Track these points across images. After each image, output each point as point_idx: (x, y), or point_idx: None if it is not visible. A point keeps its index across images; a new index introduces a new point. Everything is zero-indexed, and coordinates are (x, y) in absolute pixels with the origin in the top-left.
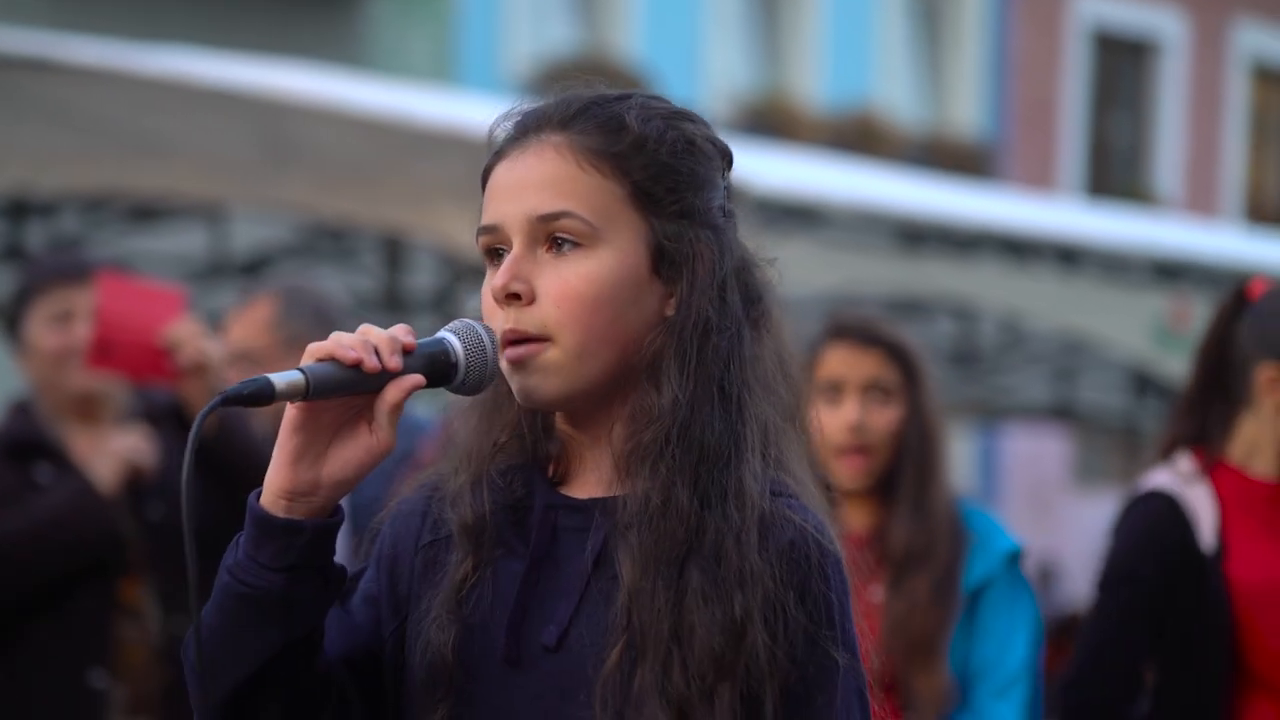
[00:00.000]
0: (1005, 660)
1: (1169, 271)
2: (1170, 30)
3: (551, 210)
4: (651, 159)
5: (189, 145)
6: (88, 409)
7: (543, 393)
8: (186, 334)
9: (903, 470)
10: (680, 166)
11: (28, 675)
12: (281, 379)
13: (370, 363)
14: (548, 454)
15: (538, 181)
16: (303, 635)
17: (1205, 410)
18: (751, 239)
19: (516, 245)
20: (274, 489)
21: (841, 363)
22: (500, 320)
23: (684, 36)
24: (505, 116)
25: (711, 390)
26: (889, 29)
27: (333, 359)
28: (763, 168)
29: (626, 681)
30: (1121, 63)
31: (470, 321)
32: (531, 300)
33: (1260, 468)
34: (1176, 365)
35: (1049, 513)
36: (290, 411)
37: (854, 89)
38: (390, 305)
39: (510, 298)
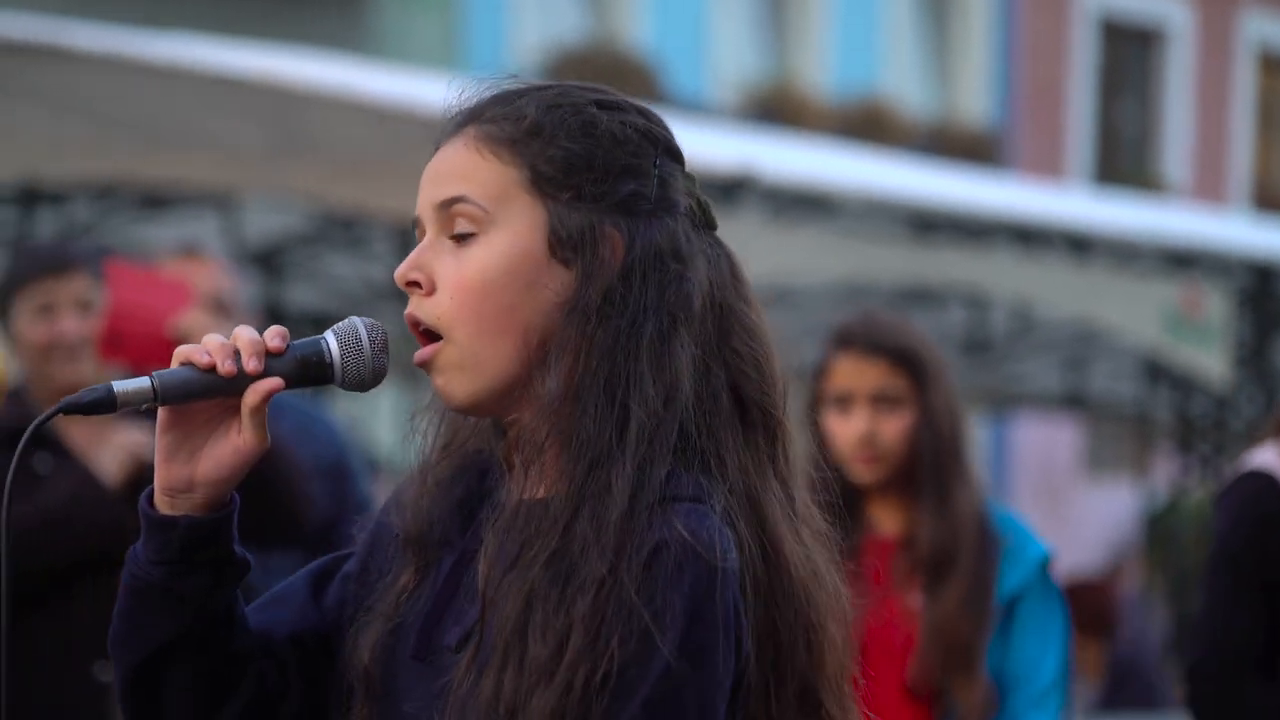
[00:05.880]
0: (1041, 670)
1: (1180, 260)
2: (1177, 18)
3: (449, 195)
4: (549, 144)
5: (200, 133)
6: None
7: (453, 392)
8: (196, 324)
9: (922, 475)
10: (580, 152)
11: (33, 669)
12: (125, 386)
13: (224, 367)
14: (507, 449)
15: (444, 171)
16: (195, 623)
17: None
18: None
19: (428, 234)
20: (156, 486)
21: (848, 374)
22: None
23: (692, 25)
24: (448, 114)
25: (596, 381)
26: (896, 16)
27: (189, 363)
28: (772, 157)
29: (475, 684)
30: (1129, 50)
31: (355, 320)
32: (432, 290)
33: None
34: (1189, 353)
35: (1060, 501)
36: (159, 413)
37: (862, 77)
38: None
39: (410, 285)
